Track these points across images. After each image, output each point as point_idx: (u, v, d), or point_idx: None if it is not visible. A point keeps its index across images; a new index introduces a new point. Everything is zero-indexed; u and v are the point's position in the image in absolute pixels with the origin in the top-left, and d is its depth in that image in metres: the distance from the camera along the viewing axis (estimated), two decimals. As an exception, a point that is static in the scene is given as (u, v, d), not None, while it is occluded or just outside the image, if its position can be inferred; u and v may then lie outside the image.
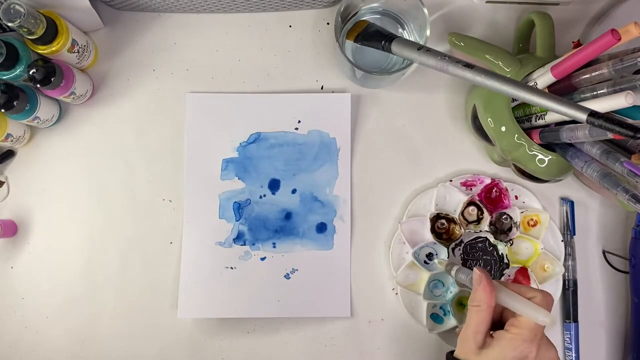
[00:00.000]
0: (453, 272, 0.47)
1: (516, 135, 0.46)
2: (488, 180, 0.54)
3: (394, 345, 0.54)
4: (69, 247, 0.54)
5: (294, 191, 0.55)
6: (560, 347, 0.55)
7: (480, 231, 0.54)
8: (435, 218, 0.54)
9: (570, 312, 0.54)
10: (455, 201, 0.54)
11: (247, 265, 0.54)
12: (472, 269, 0.47)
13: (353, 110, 0.55)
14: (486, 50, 0.49)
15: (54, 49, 0.48)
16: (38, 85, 0.47)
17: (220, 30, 0.56)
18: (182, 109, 0.55)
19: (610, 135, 0.38)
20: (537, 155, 0.46)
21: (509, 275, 0.54)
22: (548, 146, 0.47)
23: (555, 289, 0.54)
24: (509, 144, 0.47)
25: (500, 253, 0.54)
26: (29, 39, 0.47)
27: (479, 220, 0.54)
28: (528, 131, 0.47)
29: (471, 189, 0.55)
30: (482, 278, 0.41)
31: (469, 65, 0.41)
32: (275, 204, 0.54)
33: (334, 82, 0.56)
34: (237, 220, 0.54)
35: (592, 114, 0.34)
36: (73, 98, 0.52)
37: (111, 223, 0.55)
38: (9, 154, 0.55)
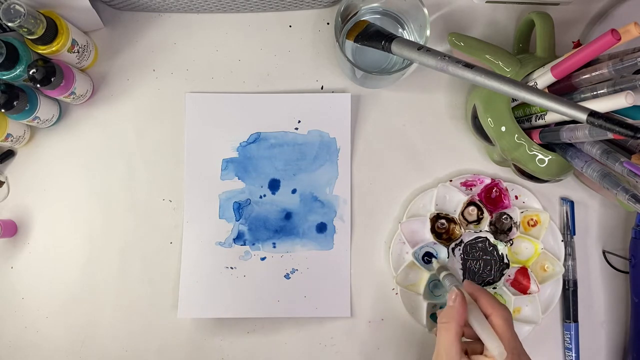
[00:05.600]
0: (441, 276, 0.48)
1: (516, 135, 0.46)
2: (488, 180, 0.54)
3: (394, 345, 0.54)
4: (69, 247, 0.54)
5: (294, 191, 0.55)
6: (560, 347, 0.55)
7: (480, 231, 0.54)
8: (435, 218, 0.54)
9: (570, 312, 0.54)
10: (455, 201, 0.54)
11: (247, 265, 0.54)
12: (461, 281, 0.47)
13: (353, 110, 0.55)
14: (486, 50, 0.49)
15: (54, 49, 0.48)
16: (38, 85, 0.47)
17: (220, 30, 0.56)
18: (182, 109, 0.55)
19: (610, 135, 0.38)
20: (537, 155, 0.46)
21: (509, 276, 0.54)
22: (548, 146, 0.47)
23: (555, 289, 0.54)
24: (509, 144, 0.47)
25: (500, 253, 0.54)
26: (29, 39, 0.47)
27: (479, 220, 0.54)
28: (528, 131, 0.47)
29: (471, 189, 0.55)
30: (458, 296, 0.41)
31: (469, 65, 0.41)
32: (275, 204, 0.54)
33: (334, 82, 0.56)
34: (237, 220, 0.54)
35: (592, 114, 0.34)
36: (73, 98, 0.52)
37: (111, 223, 0.55)
38: (9, 154, 0.55)
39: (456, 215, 0.53)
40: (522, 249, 0.54)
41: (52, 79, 0.48)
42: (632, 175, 0.39)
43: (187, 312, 0.53)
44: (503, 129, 0.47)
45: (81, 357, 0.54)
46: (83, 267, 0.54)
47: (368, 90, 0.56)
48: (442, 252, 0.54)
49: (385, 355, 0.54)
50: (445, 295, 0.54)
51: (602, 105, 0.39)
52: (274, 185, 0.55)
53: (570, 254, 0.54)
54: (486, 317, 0.41)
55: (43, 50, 0.48)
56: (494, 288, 0.53)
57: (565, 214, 0.55)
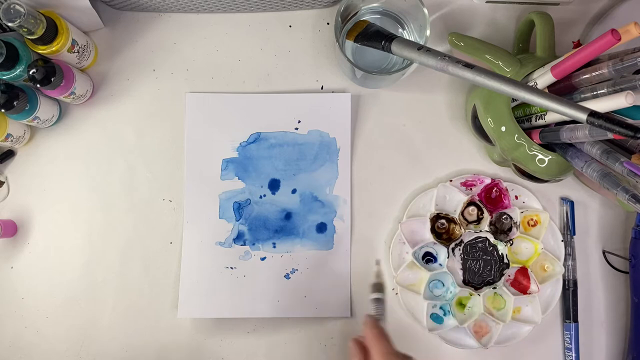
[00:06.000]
0: (370, 297, 0.48)
1: (516, 135, 0.46)
2: (488, 180, 0.54)
3: (394, 345, 0.54)
4: (69, 247, 0.54)
5: (294, 191, 0.55)
6: (560, 347, 0.55)
7: (480, 231, 0.54)
8: (435, 218, 0.54)
9: (570, 312, 0.54)
10: (455, 201, 0.54)
11: (247, 265, 0.54)
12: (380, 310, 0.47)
13: (353, 110, 0.55)
14: (486, 50, 0.49)
15: (54, 49, 0.48)
16: (38, 85, 0.47)
17: (220, 30, 0.56)
18: (182, 109, 0.55)
19: (610, 135, 0.38)
20: (537, 155, 0.46)
21: (509, 276, 0.54)
22: (548, 146, 0.47)
23: (555, 289, 0.54)
24: (509, 144, 0.47)
25: (500, 253, 0.54)
26: (29, 39, 0.47)
27: (479, 220, 0.54)
28: (528, 131, 0.47)
29: (471, 189, 0.55)
30: (355, 345, 0.42)
31: (469, 65, 0.41)
32: (275, 204, 0.54)
33: (334, 82, 0.56)
34: (237, 220, 0.54)
35: (592, 114, 0.34)
36: (73, 98, 0.52)
37: (111, 223, 0.55)
38: (9, 154, 0.55)
39: (456, 215, 0.53)
40: (522, 249, 0.54)
41: (52, 79, 0.48)
42: (632, 175, 0.39)
43: (187, 312, 0.53)
44: (503, 129, 0.47)
45: (81, 357, 0.54)
46: (83, 267, 0.54)
47: (368, 90, 0.56)
48: (442, 252, 0.54)
49: (385, 355, 0.54)
50: (446, 295, 0.54)
51: (602, 105, 0.39)
52: (274, 185, 0.55)
53: (570, 254, 0.54)
54: None
55: (43, 50, 0.48)
56: (494, 288, 0.53)
57: (565, 214, 0.55)
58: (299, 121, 0.55)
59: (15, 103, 0.47)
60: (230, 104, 0.55)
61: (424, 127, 0.56)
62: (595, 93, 0.41)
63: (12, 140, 0.52)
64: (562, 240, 0.54)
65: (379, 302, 0.47)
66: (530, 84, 0.46)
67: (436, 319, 0.53)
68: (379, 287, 0.48)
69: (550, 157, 0.46)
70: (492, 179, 0.54)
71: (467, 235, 0.54)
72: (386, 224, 0.55)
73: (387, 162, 0.56)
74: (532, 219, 0.54)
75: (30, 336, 0.54)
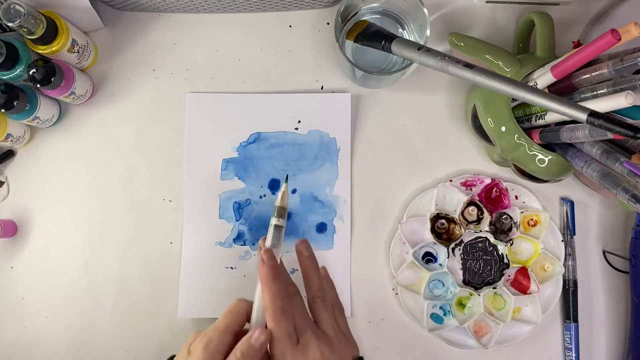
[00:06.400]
0: (272, 222, 0.42)
1: (516, 135, 0.46)
2: (488, 180, 0.54)
3: (394, 345, 0.54)
4: (69, 247, 0.54)
5: (294, 191, 0.55)
6: (560, 347, 0.55)
7: (480, 231, 0.54)
8: (435, 218, 0.54)
9: (570, 312, 0.54)
10: (455, 201, 0.54)
11: (247, 265, 0.54)
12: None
13: (353, 110, 0.55)
14: (486, 50, 0.49)
15: (54, 49, 0.48)
16: (38, 85, 0.47)
17: (220, 30, 0.56)
18: (182, 109, 0.55)
19: (610, 135, 0.38)
20: (537, 155, 0.46)
21: (509, 276, 0.54)
22: (548, 146, 0.47)
23: (555, 289, 0.54)
24: (509, 144, 0.47)
25: (500, 253, 0.54)
26: (29, 39, 0.47)
27: (479, 220, 0.54)
28: (528, 131, 0.47)
29: (471, 189, 0.55)
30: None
31: (469, 65, 0.41)
32: (275, 204, 0.54)
33: (334, 82, 0.56)
34: (237, 220, 0.54)
35: (592, 114, 0.34)
36: (73, 98, 0.52)
37: (111, 223, 0.55)
38: (9, 154, 0.55)
39: (456, 215, 0.53)
40: (522, 249, 0.54)
41: (52, 79, 0.48)
42: (632, 175, 0.39)
43: (187, 312, 0.53)
44: (503, 129, 0.47)
45: (81, 357, 0.54)
46: (83, 267, 0.54)
47: (368, 90, 0.56)
48: (442, 252, 0.54)
49: (385, 355, 0.54)
50: (446, 295, 0.54)
51: (602, 105, 0.39)
52: (274, 185, 0.55)
53: (570, 254, 0.54)
54: None
55: (43, 50, 0.48)
56: (494, 288, 0.53)
57: (565, 214, 0.55)
58: (299, 121, 0.55)
59: (15, 103, 0.47)
60: (230, 104, 0.55)
61: (424, 127, 0.56)
62: (595, 93, 0.41)
63: (12, 140, 0.52)
64: (562, 240, 0.54)
65: (279, 230, 0.42)
66: (530, 84, 0.46)
67: (436, 319, 0.53)
68: (282, 212, 0.42)
69: (550, 157, 0.46)
70: (492, 179, 0.54)
71: (467, 235, 0.54)
72: (386, 224, 0.55)
73: (387, 162, 0.56)
74: (532, 219, 0.54)
75: (30, 336, 0.54)
